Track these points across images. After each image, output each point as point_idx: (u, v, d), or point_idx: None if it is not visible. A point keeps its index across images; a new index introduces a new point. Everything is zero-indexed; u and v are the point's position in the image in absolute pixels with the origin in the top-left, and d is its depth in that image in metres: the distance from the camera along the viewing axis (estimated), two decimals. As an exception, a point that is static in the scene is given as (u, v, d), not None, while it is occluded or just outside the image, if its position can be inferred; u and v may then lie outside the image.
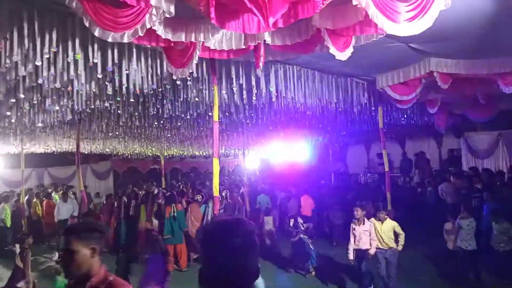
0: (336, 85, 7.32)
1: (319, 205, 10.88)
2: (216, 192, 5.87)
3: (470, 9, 4.20)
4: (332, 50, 4.27)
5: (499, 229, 6.85)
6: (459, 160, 12.47)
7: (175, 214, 8.46)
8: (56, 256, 6.39)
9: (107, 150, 14.87)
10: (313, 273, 7.88)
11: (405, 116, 10.48)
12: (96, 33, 3.62)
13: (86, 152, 14.80)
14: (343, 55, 4.36)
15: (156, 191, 11.20)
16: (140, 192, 11.28)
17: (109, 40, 3.72)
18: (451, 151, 13.39)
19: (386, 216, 6.61)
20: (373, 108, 8.46)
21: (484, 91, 7.49)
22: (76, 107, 6.54)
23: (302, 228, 8.18)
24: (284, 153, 17.02)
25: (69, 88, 5.49)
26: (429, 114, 10.16)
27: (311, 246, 7.92)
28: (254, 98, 6.58)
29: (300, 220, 8.30)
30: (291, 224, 8.17)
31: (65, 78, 4.83)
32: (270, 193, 11.72)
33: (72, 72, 4.70)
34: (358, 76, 7.50)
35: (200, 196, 9.73)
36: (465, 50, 5.61)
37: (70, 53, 4.33)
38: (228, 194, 10.95)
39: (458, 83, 6.68)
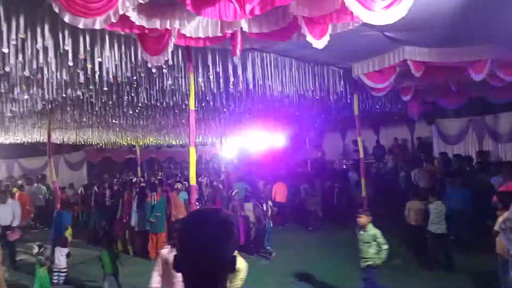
0: (312, 73, 7.35)
1: (296, 192, 11.04)
2: (193, 181, 5.85)
3: (443, -2, 4.29)
4: (309, 38, 4.28)
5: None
6: (430, 146, 12.84)
7: (154, 203, 8.47)
8: (36, 249, 6.31)
9: (80, 140, 14.50)
10: (274, 254, 8.12)
11: (380, 103, 10.67)
12: (66, 19, 3.49)
13: (58, 142, 14.39)
14: (319, 43, 4.38)
15: (134, 180, 11.10)
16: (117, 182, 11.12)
17: (80, 26, 3.59)
18: (419, 138, 13.76)
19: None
20: (349, 96, 8.57)
21: (455, 79, 7.70)
22: (47, 95, 6.32)
23: (270, 213, 8.57)
24: (261, 141, 17.07)
25: (39, 76, 5.30)
26: (402, 102, 10.38)
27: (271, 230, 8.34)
28: (231, 86, 6.54)
29: (270, 204, 8.70)
30: (264, 208, 8.41)
31: (34, 65, 4.64)
32: (248, 180, 11.74)
33: (41, 60, 4.53)
34: (334, 65, 7.55)
35: (180, 184, 9.76)
36: (438, 38, 5.72)
37: (39, 39, 4.16)
38: (208, 182, 10.94)
39: (431, 71, 6.83)
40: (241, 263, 3.83)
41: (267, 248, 8.25)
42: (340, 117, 12.91)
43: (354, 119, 8.93)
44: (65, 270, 6.95)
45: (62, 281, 6.97)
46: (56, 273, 6.96)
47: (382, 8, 3.53)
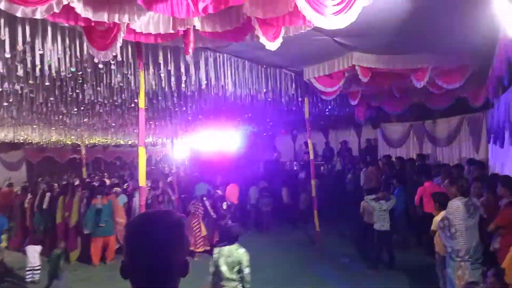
0: (265, 75, 7.42)
1: (246, 193, 11.07)
2: (142, 183, 5.67)
3: (389, 7, 4.49)
4: (262, 39, 4.29)
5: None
6: (375, 149, 13.45)
7: (101, 206, 8.17)
8: None
9: (19, 138, 13.54)
10: None
11: (329, 107, 11.01)
12: (2, 6, 3.22)
13: (-7, 141, 13.40)
14: (273, 45, 4.41)
15: (77, 182, 10.57)
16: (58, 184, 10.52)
17: (18, 15, 3.32)
18: (369, 139, 14.40)
19: None
20: (300, 99, 8.75)
21: (398, 85, 8.11)
22: (-20, 89, 5.84)
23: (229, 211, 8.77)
24: (213, 142, 16.94)
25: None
26: (350, 106, 10.78)
27: None
28: (183, 85, 6.42)
29: (225, 204, 8.87)
30: (224, 207, 8.55)
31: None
32: (209, 181, 11.49)
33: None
34: (286, 67, 7.67)
35: (118, 189, 9.50)
36: (384, 46, 6.00)
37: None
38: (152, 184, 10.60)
39: (377, 77, 7.16)
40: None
41: None
42: (291, 120, 13.15)
43: (304, 121, 9.14)
44: (39, 267, 6.91)
45: (37, 278, 6.97)
46: (29, 272, 7.03)
47: (333, 14, 3.63)
